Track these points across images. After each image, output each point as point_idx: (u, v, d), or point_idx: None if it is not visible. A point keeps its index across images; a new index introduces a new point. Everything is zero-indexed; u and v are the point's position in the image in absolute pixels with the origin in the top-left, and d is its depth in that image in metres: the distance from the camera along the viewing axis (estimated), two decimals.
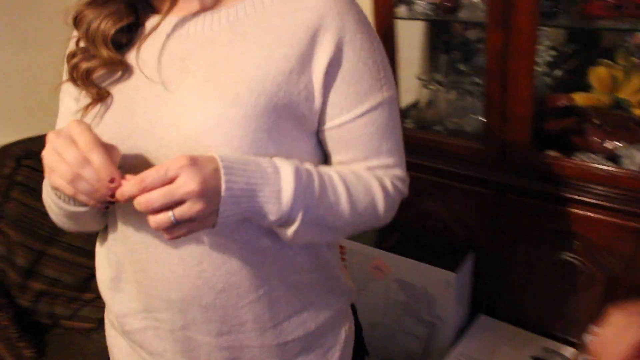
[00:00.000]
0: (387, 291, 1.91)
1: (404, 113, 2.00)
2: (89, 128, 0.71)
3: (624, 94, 1.64)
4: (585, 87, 1.74)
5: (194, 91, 0.78)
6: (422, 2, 1.79)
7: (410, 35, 2.04)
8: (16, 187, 1.77)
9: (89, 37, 0.83)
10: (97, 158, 0.68)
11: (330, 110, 0.83)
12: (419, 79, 1.99)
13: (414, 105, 2.06)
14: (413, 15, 1.81)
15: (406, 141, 1.85)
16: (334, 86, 0.82)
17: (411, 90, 2.05)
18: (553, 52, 1.79)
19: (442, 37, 2.01)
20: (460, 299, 1.83)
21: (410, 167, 1.83)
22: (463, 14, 1.75)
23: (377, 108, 0.86)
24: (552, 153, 1.68)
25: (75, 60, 0.84)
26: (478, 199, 1.80)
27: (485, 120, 1.71)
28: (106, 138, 0.73)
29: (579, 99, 1.68)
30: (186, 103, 0.78)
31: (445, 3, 1.75)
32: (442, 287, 1.78)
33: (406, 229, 1.99)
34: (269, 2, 0.82)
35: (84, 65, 0.83)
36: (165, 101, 0.79)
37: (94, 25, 0.82)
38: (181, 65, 0.81)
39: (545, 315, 1.81)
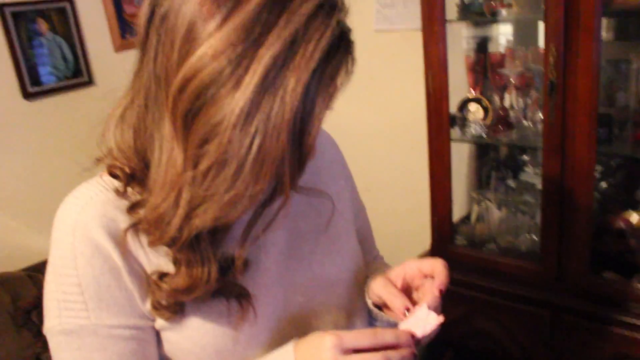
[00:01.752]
0: None
1: (455, 228, 2.03)
2: (341, 334, 0.65)
3: None
4: (634, 203, 1.76)
5: (328, 245, 0.85)
6: (474, 124, 1.86)
7: (460, 152, 2.11)
8: None
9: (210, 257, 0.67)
10: (388, 336, 0.66)
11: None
12: (471, 196, 2.03)
13: (463, 221, 2.09)
14: (465, 138, 1.88)
15: (458, 259, 1.89)
16: (352, 198, 0.96)
17: (457, 205, 2.08)
18: (598, 167, 1.84)
19: (490, 155, 2.08)
20: None
21: (462, 284, 1.87)
22: (514, 136, 1.82)
23: (365, 211, 1.03)
24: (610, 275, 1.67)
25: (198, 293, 0.67)
26: (533, 320, 1.78)
27: (539, 240, 1.73)
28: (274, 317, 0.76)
29: (635, 220, 1.70)
30: (333, 260, 0.85)
31: (498, 126, 1.82)
32: None
33: (459, 346, 1.95)
34: None
35: (205, 289, 0.67)
36: (310, 264, 0.82)
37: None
38: (290, 226, 0.82)
39: None
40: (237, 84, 0.54)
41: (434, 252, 1.98)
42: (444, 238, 1.95)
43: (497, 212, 1.97)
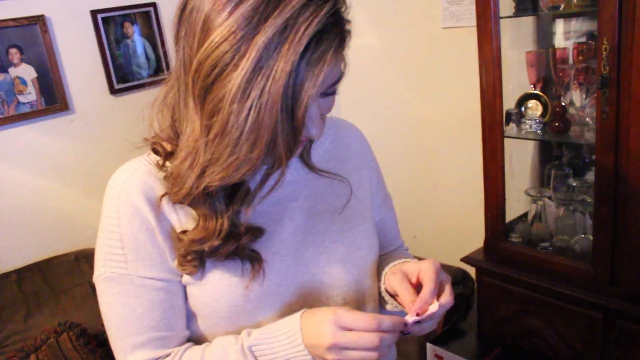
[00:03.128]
0: None
1: (510, 226, 2.01)
2: (348, 310, 0.74)
3: None
4: None
5: (342, 225, 0.92)
6: (530, 121, 1.84)
7: (521, 149, 2.08)
8: None
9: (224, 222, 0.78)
10: (386, 324, 0.73)
11: (373, 210, 1.03)
12: (527, 194, 1.99)
13: (521, 218, 2.06)
14: (522, 135, 1.86)
15: (512, 257, 1.88)
16: (375, 192, 1.03)
17: (520, 203, 2.06)
18: None
19: (552, 152, 2.03)
20: None
21: (514, 282, 1.86)
22: (573, 133, 1.77)
23: (392, 204, 1.11)
24: None
25: (210, 244, 0.78)
26: (586, 322, 1.73)
27: (593, 244, 1.68)
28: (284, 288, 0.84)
29: None
30: (345, 239, 0.92)
31: (555, 124, 1.78)
32: None
33: (509, 344, 1.93)
34: (329, 143, 0.98)
35: (230, 248, 0.79)
36: (323, 240, 0.90)
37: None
38: (308, 205, 0.90)
39: None
40: (236, 65, 0.64)
41: (487, 248, 1.98)
42: (497, 235, 1.93)
43: (555, 211, 1.93)
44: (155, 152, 0.83)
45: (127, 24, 2.18)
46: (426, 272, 0.82)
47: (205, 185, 0.72)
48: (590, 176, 1.94)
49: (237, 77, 0.64)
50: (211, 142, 0.69)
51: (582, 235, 1.82)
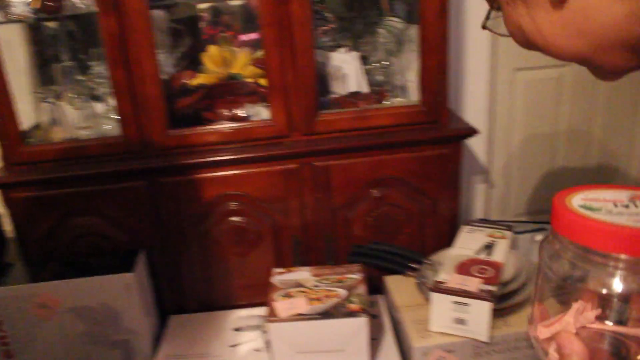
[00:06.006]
0: (62, 327, 1.62)
1: (27, 135, 1.77)
2: None
3: (236, 69, 1.82)
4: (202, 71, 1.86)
5: None
6: (18, 3, 1.65)
7: (14, 48, 1.84)
8: None
9: None
10: None
11: None
12: (36, 92, 1.80)
13: (37, 127, 1.85)
14: (11, 18, 1.65)
15: (39, 160, 1.66)
16: None
17: (29, 109, 1.84)
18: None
19: (52, 49, 1.87)
20: (146, 306, 1.69)
21: (49, 187, 1.66)
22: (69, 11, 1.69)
23: None
24: (187, 129, 1.72)
25: None
26: (131, 194, 1.72)
27: (118, 113, 1.67)
28: None
29: (201, 78, 1.80)
30: None
31: (47, 3, 1.65)
32: (122, 294, 1.61)
33: (62, 255, 1.75)
34: None
35: None
36: None
37: None
38: None
39: (230, 288, 1.82)
40: None
41: (6, 160, 1.71)
42: (15, 143, 1.69)
43: (70, 105, 1.81)
44: None
45: None
46: None
47: None
48: (98, 67, 1.88)
49: None
50: None
51: (105, 116, 1.78)
